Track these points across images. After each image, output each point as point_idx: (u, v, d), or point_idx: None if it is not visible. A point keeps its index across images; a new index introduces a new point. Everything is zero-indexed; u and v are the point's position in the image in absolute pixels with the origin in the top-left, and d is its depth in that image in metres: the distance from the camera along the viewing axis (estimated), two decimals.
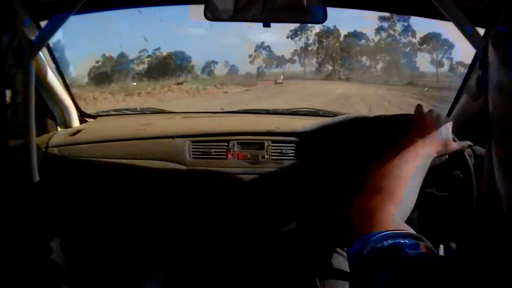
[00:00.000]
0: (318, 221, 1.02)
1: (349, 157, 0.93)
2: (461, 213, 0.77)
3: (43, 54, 1.02)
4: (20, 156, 0.90)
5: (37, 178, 0.93)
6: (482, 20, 0.78)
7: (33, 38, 0.83)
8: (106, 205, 1.07)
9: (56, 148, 1.04)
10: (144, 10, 1.11)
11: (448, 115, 1.10)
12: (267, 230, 1.02)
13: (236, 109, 1.41)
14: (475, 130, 0.95)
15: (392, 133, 0.90)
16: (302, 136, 1.00)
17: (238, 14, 0.80)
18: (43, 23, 0.87)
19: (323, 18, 0.80)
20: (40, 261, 1.00)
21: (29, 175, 0.91)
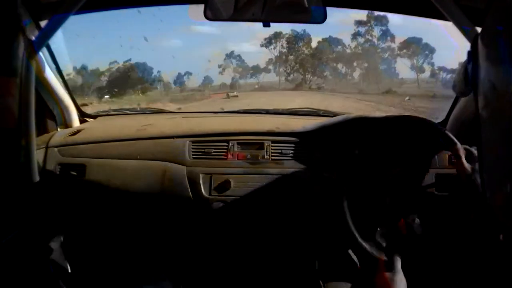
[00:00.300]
0: (319, 222, 1.01)
1: (349, 157, 0.93)
2: (461, 212, 0.77)
3: (43, 54, 1.02)
4: (20, 156, 0.90)
5: (37, 178, 0.93)
6: (482, 20, 0.78)
7: (33, 38, 0.83)
8: (105, 205, 1.07)
9: (56, 148, 1.03)
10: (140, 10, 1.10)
11: (448, 115, 1.10)
12: (268, 230, 1.02)
13: (236, 109, 1.41)
14: (474, 130, 0.95)
15: (392, 134, 0.90)
16: (302, 136, 1.00)
17: (238, 14, 0.80)
18: (43, 23, 0.87)
19: (323, 18, 0.80)
20: (40, 261, 1.00)
21: (29, 175, 0.91)
